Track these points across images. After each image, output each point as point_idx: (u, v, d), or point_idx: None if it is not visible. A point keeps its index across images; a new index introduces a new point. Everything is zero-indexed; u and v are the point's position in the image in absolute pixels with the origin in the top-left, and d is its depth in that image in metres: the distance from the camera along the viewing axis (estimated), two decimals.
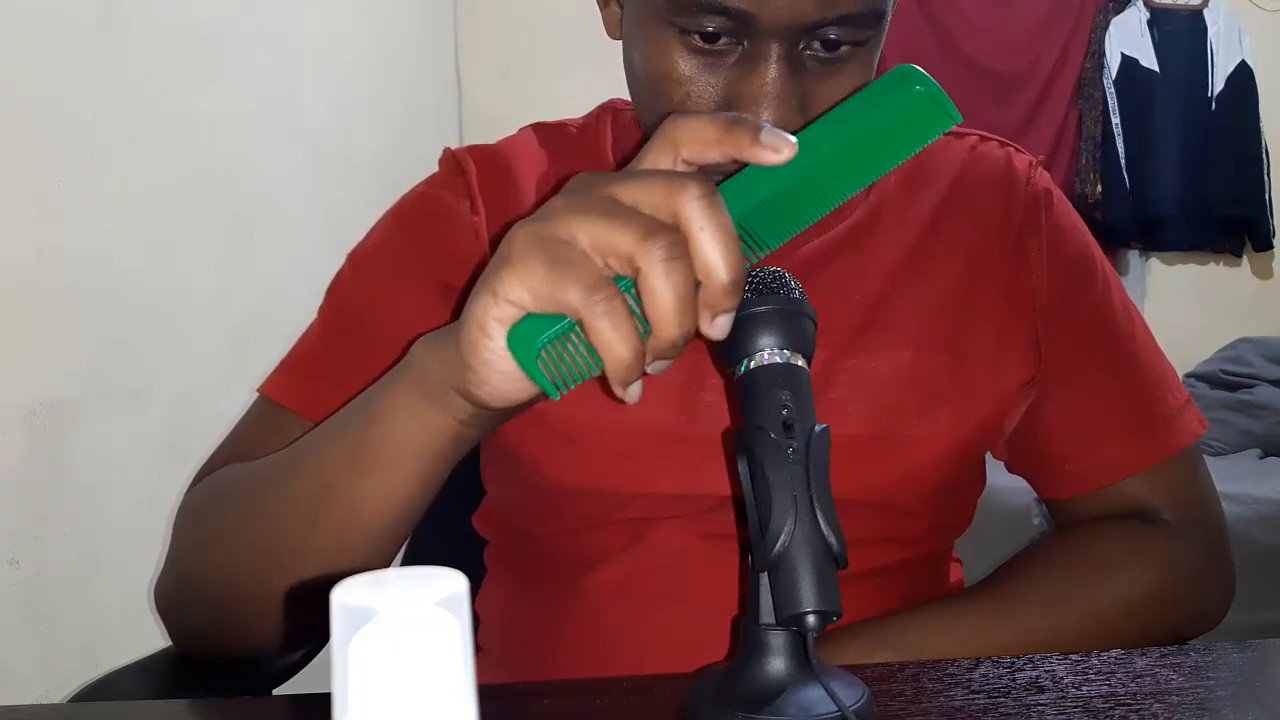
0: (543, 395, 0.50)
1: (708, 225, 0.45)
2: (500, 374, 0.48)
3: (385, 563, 0.62)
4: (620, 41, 0.68)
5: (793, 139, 0.47)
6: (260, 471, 0.65)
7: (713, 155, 0.48)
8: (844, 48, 0.61)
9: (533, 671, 0.73)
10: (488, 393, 0.49)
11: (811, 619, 0.46)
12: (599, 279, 0.45)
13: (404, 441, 0.54)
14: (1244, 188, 2.90)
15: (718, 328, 0.47)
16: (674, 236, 0.45)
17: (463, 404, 0.52)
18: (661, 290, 0.44)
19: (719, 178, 0.49)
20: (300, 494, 0.60)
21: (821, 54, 0.61)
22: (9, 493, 1.03)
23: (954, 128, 0.51)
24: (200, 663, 0.71)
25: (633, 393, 0.47)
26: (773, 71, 0.59)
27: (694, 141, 0.48)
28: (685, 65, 0.61)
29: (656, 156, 0.49)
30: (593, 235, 0.45)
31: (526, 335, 0.47)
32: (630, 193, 0.46)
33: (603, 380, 0.47)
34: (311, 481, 0.59)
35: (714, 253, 0.45)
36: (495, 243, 0.72)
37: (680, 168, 0.48)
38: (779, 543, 0.46)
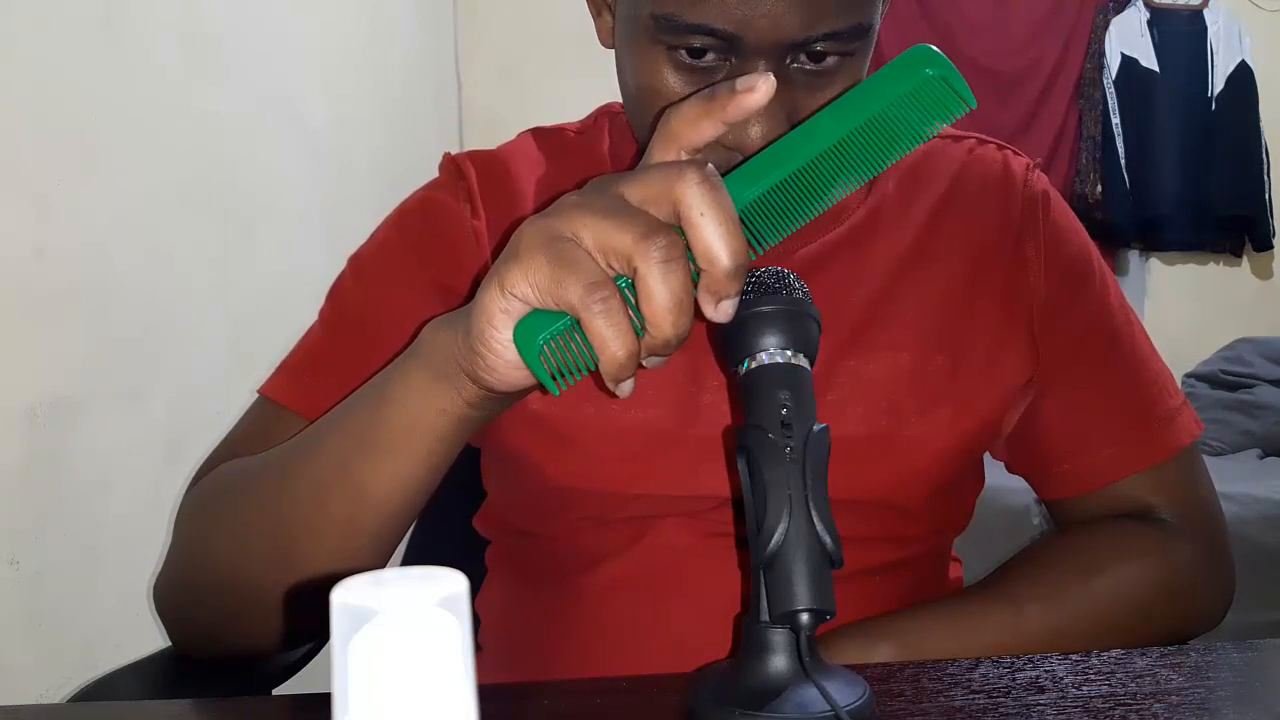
0: None
1: (708, 210, 0.45)
2: (506, 362, 0.50)
3: (390, 549, 0.63)
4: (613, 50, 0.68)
5: (768, 75, 0.48)
6: (267, 461, 0.65)
7: (706, 129, 0.49)
8: (831, 59, 0.61)
9: (533, 671, 0.73)
10: (495, 379, 0.51)
11: (805, 617, 0.46)
12: (598, 279, 0.46)
13: (412, 421, 0.55)
14: (1244, 188, 2.89)
15: (722, 312, 0.48)
16: (672, 237, 0.45)
17: (470, 386, 0.53)
18: (657, 292, 0.45)
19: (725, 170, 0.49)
20: (310, 478, 0.60)
21: (809, 66, 0.61)
22: (9, 493, 1.03)
23: (953, 131, 0.50)
24: (200, 663, 0.71)
25: (625, 388, 0.49)
26: None
27: (684, 123, 0.49)
28: (674, 81, 0.62)
29: (661, 152, 0.50)
30: (595, 234, 0.46)
31: (530, 330, 0.48)
32: (635, 190, 0.47)
33: (598, 374, 0.48)
34: (322, 465, 0.60)
35: (715, 238, 0.46)
36: (496, 247, 0.72)
37: (685, 159, 0.49)
38: (773, 541, 0.46)
